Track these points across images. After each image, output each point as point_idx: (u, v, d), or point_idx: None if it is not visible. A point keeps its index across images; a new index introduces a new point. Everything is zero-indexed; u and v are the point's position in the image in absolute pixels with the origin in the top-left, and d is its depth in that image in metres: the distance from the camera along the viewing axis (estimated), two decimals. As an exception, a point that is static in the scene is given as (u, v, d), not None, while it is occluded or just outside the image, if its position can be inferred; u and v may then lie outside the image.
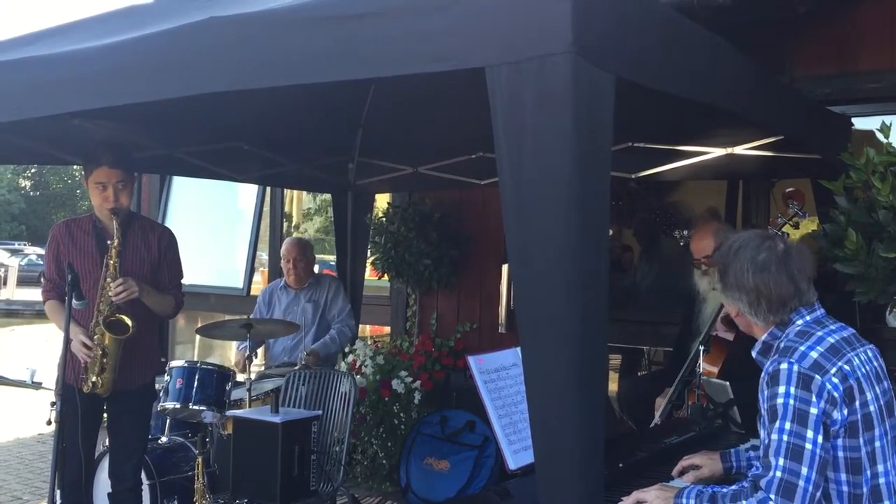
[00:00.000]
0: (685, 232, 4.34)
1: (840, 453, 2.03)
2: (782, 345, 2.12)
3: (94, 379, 3.41)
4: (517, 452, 2.57)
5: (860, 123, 3.97)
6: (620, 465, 2.54)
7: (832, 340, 2.09)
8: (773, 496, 1.92)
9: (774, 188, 4.82)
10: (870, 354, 2.16)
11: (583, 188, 1.78)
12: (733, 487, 2.03)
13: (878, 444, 2.06)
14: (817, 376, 2.00)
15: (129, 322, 3.41)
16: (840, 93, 4.33)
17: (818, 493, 1.96)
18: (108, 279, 3.40)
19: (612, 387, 5.39)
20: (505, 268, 5.52)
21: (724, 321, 3.87)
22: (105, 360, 3.40)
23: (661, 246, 6.33)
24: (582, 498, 1.84)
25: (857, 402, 2.03)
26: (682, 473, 2.55)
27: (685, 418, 3.60)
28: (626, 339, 5.51)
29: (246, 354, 4.25)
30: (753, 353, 2.26)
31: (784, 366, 2.02)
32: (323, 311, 5.13)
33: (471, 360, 2.69)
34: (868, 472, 2.04)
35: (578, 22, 1.72)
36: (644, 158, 4.43)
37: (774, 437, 1.97)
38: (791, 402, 1.98)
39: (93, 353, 3.39)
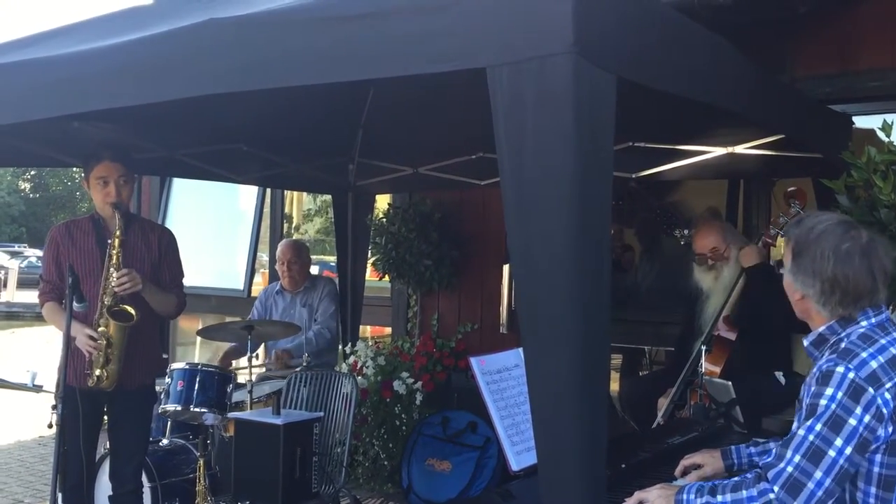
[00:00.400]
0: (686, 231, 4.34)
1: (875, 468, 1.97)
2: (843, 345, 2.02)
3: (98, 372, 3.40)
4: (520, 453, 2.56)
5: (861, 122, 3.97)
6: (623, 465, 2.54)
7: (894, 351, 2.00)
8: (776, 489, 1.88)
9: (775, 187, 4.82)
10: None
11: (584, 188, 1.77)
12: (735, 479, 2.01)
13: None
14: (870, 389, 1.92)
15: (132, 311, 3.40)
16: (841, 92, 4.32)
17: (829, 501, 1.90)
18: (112, 270, 3.40)
19: (614, 387, 5.39)
20: (506, 268, 5.51)
21: (726, 320, 3.87)
22: (110, 351, 3.39)
23: (662, 245, 6.33)
24: (585, 499, 1.83)
25: None
26: (684, 473, 2.54)
27: (687, 418, 3.59)
28: (628, 339, 5.50)
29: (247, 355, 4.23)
30: (805, 343, 2.18)
31: (840, 369, 1.94)
32: (318, 311, 5.10)
33: (473, 361, 2.69)
34: None
35: (579, 22, 1.72)
36: (645, 158, 4.43)
37: (801, 432, 1.92)
38: (833, 406, 1.91)
39: (98, 345, 3.38)
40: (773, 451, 1.99)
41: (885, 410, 1.91)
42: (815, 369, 2.04)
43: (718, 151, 4.12)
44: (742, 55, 2.68)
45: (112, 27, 2.72)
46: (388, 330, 6.40)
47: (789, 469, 1.89)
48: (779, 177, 4.70)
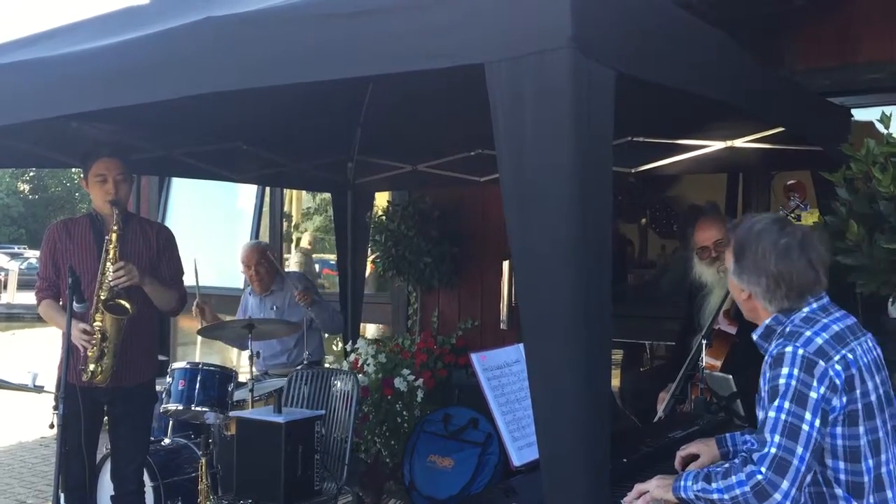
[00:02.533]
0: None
1: (839, 441, 2.03)
2: (787, 329, 2.11)
3: (92, 367, 3.39)
4: (521, 449, 2.56)
5: (860, 114, 3.97)
6: (625, 460, 2.54)
7: (837, 328, 2.09)
8: (763, 470, 1.91)
9: (775, 181, 4.82)
10: (870, 344, 2.17)
11: (584, 183, 1.77)
12: (725, 465, 2.03)
13: (880, 433, 2.07)
14: (821, 361, 2.00)
15: (128, 304, 3.39)
16: (840, 84, 4.32)
17: (808, 476, 1.96)
18: (109, 264, 3.40)
19: (615, 382, 5.39)
20: (506, 264, 5.51)
21: (727, 315, 3.87)
22: (105, 345, 3.39)
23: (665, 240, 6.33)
24: (587, 493, 1.83)
25: (858, 391, 2.03)
26: (683, 466, 2.55)
27: (688, 412, 3.60)
28: (628, 334, 5.50)
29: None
30: (755, 337, 2.25)
31: (789, 349, 2.02)
32: (284, 314, 4.96)
33: (473, 357, 2.68)
34: (870, 462, 2.04)
35: (577, 17, 1.71)
36: (643, 153, 4.42)
37: (773, 414, 1.97)
38: (793, 382, 1.98)
39: (93, 340, 3.37)
40: (751, 441, 2.02)
41: (837, 381, 1.99)
42: (766, 357, 2.10)
43: (717, 145, 4.11)
44: (740, 48, 2.67)
45: (109, 27, 2.71)
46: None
47: (773, 451, 1.92)
48: (778, 170, 4.69)
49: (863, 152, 2.98)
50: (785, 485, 1.89)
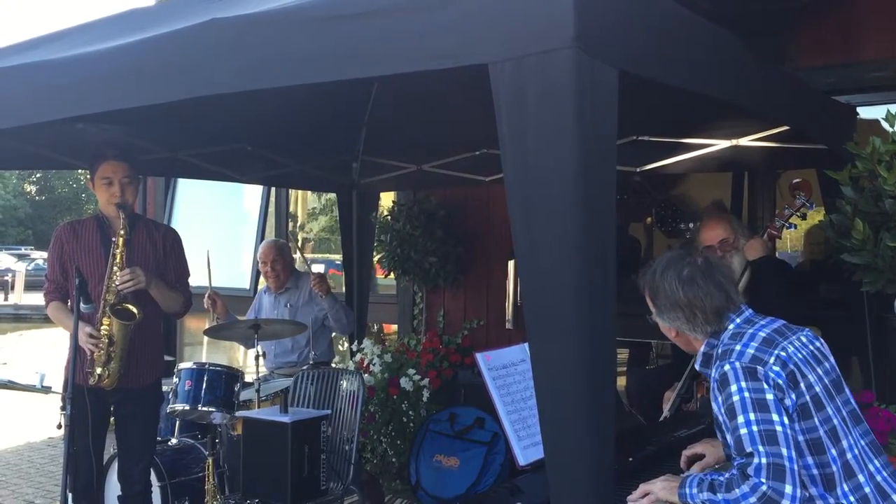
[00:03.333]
0: (691, 224, 4.34)
1: (800, 437, 2.07)
2: (720, 350, 2.18)
3: (99, 370, 3.40)
4: (527, 448, 2.57)
5: (865, 112, 3.96)
6: (630, 459, 2.54)
7: (764, 334, 2.16)
8: (764, 479, 1.93)
9: (780, 179, 4.81)
10: (804, 340, 2.21)
11: (588, 182, 1.77)
12: (725, 475, 2.04)
13: (834, 421, 2.10)
14: (759, 367, 2.06)
15: (135, 309, 3.41)
16: (845, 82, 4.31)
17: (801, 472, 1.99)
18: (115, 268, 3.41)
19: (620, 381, 5.38)
20: (511, 264, 5.51)
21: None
22: (112, 349, 3.40)
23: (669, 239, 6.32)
24: (593, 492, 1.84)
25: (802, 385, 2.08)
26: (689, 465, 2.55)
27: (694, 412, 3.59)
28: (634, 334, 5.49)
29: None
30: (697, 367, 2.33)
31: (727, 367, 2.08)
32: (297, 312, 4.97)
33: (479, 356, 2.69)
34: (834, 451, 2.07)
35: (580, 16, 1.72)
36: (648, 152, 4.42)
37: (744, 430, 2.00)
38: (746, 394, 2.03)
39: (100, 343, 3.38)
40: (735, 460, 2.04)
41: (779, 381, 2.05)
42: (712, 383, 2.16)
43: (722, 144, 4.11)
44: (745, 46, 2.67)
45: (114, 29, 2.73)
46: (395, 327, 6.41)
47: (764, 460, 1.94)
48: (783, 168, 4.69)
49: (868, 150, 2.97)
50: (788, 489, 1.91)
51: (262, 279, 6.98)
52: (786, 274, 3.81)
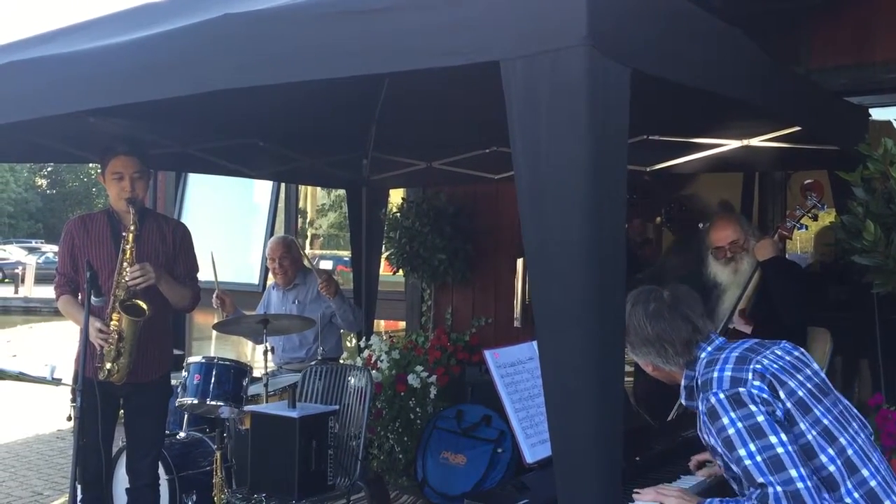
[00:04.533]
0: (700, 225, 4.33)
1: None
2: (699, 381, 2.19)
3: (109, 366, 3.42)
4: (534, 446, 2.57)
5: (878, 114, 3.94)
6: (637, 458, 2.54)
7: (736, 354, 2.18)
8: None
9: (791, 180, 4.79)
10: (779, 352, 2.22)
11: (599, 181, 1.77)
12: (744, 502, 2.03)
13: (825, 421, 2.09)
14: (741, 388, 2.07)
15: (144, 305, 3.42)
16: (857, 83, 4.29)
17: (815, 482, 1.98)
18: (125, 264, 3.42)
19: (628, 381, 5.38)
20: (520, 262, 5.51)
21: (742, 314, 3.86)
22: (121, 345, 3.41)
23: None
24: (600, 491, 1.83)
25: (782, 392, 2.08)
26: (698, 467, 2.54)
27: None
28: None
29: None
30: (683, 402, 2.34)
31: (713, 399, 2.09)
32: (305, 308, 5.00)
33: (487, 354, 2.69)
34: (831, 450, 2.06)
35: (593, 14, 1.71)
36: (659, 151, 4.41)
37: (748, 462, 1.99)
38: (739, 425, 2.03)
39: (109, 339, 3.40)
40: (747, 493, 2.03)
41: (764, 395, 2.06)
42: (700, 415, 2.17)
43: (733, 144, 4.09)
44: (757, 46, 2.66)
45: (128, 23, 2.73)
46: (403, 324, 6.42)
47: (779, 489, 1.94)
48: (794, 169, 4.67)
49: (880, 152, 2.97)
50: None
51: (270, 275, 7.03)
52: (796, 275, 3.79)
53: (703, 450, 2.62)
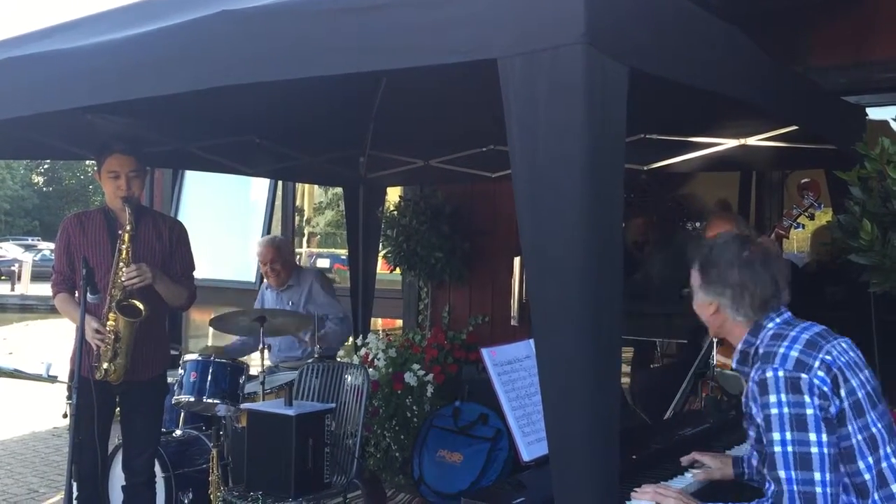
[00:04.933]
0: (698, 224, 4.33)
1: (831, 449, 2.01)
2: (761, 350, 2.14)
3: (106, 366, 3.41)
4: (531, 444, 2.57)
5: (875, 113, 3.94)
6: (634, 457, 2.54)
7: (807, 336, 2.11)
8: None
9: (788, 179, 4.80)
10: (844, 346, 2.17)
11: (596, 180, 1.77)
12: None
13: (874, 429, 2.06)
14: (803, 374, 2.01)
15: (141, 306, 3.42)
16: (855, 83, 4.29)
17: (838, 490, 1.95)
18: (121, 265, 3.42)
19: (625, 379, 5.38)
20: (517, 260, 5.51)
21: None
22: (118, 346, 3.41)
23: (675, 237, 6.30)
24: (596, 489, 1.83)
25: (844, 391, 2.04)
26: (691, 465, 2.55)
27: (698, 410, 3.59)
28: (639, 332, 5.49)
29: None
30: (733, 365, 2.29)
31: (769, 374, 2.03)
32: (298, 310, 5.00)
33: (484, 352, 2.69)
34: (869, 459, 2.03)
35: (591, 12, 1.71)
36: (656, 150, 4.41)
37: (778, 449, 1.96)
38: (785, 410, 1.98)
39: (106, 339, 3.40)
40: (768, 482, 2.01)
41: (825, 388, 2.00)
42: (749, 383, 2.12)
43: (731, 143, 4.10)
44: (755, 45, 2.66)
45: (124, 20, 2.73)
46: (400, 322, 6.42)
47: (795, 488, 1.92)
48: (791, 168, 4.67)
49: (877, 151, 2.97)
50: None
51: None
52: (793, 274, 3.80)
53: (701, 448, 2.62)
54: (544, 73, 1.74)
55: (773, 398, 2.00)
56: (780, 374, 2.01)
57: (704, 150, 4.26)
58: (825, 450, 1.94)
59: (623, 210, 1.91)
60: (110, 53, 2.49)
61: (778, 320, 2.20)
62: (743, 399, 2.19)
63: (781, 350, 2.07)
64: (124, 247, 3.43)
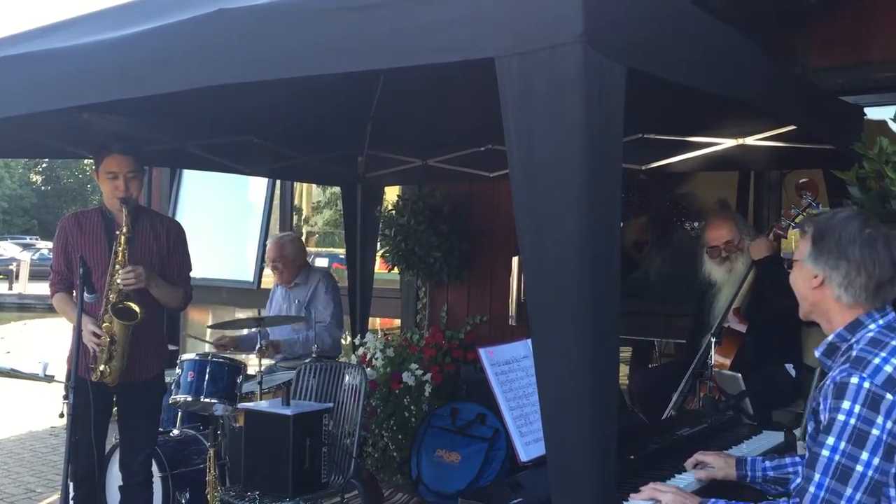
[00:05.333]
0: (696, 224, 4.33)
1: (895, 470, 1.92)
2: (854, 353, 1.99)
3: (102, 367, 3.42)
4: (528, 444, 2.56)
5: (873, 113, 3.94)
6: (632, 457, 2.54)
7: None
8: None
9: (786, 179, 4.80)
10: None
11: (594, 180, 1.76)
12: None
13: None
14: (888, 395, 1.88)
15: (137, 309, 3.42)
16: (853, 82, 4.30)
17: None
18: (117, 266, 3.41)
19: (623, 379, 5.38)
20: (515, 260, 5.51)
21: (737, 312, 3.86)
22: (114, 348, 3.41)
23: (674, 237, 6.31)
24: (594, 489, 1.83)
25: None
26: (695, 466, 2.54)
27: (696, 410, 3.59)
28: (637, 332, 5.49)
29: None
30: (817, 353, 2.15)
31: (854, 380, 1.90)
32: (303, 309, 5.02)
33: (482, 351, 2.69)
34: None
35: (589, 12, 1.71)
36: (654, 150, 4.41)
37: (825, 452, 1.89)
38: (852, 421, 1.87)
39: (102, 341, 3.39)
40: (800, 471, 1.96)
41: None
42: (828, 380, 2.01)
43: (729, 143, 4.09)
44: (753, 45, 2.66)
45: (122, 18, 2.72)
46: (398, 322, 6.41)
47: (821, 493, 1.88)
48: (790, 168, 4.67)
49: (875, 151, 2.97)
50: None
51: (266, 270, 7.03)
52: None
53: (702, 449, 2.62)
54: (542, 72, 1.74)
55: (846, 405, 1.89)
56: (866, 385, 1.89)
57: (703, 149, 4.26)
58: (870, 472, 1.86)
59: (621, 210, 1.91)
60: (108, 52, 2.48)
61: (881, 322, 2.04)
62: (814, 391, 2.08)
63: (877, 361, 1.93)
64: (120, 249, 3.42)
